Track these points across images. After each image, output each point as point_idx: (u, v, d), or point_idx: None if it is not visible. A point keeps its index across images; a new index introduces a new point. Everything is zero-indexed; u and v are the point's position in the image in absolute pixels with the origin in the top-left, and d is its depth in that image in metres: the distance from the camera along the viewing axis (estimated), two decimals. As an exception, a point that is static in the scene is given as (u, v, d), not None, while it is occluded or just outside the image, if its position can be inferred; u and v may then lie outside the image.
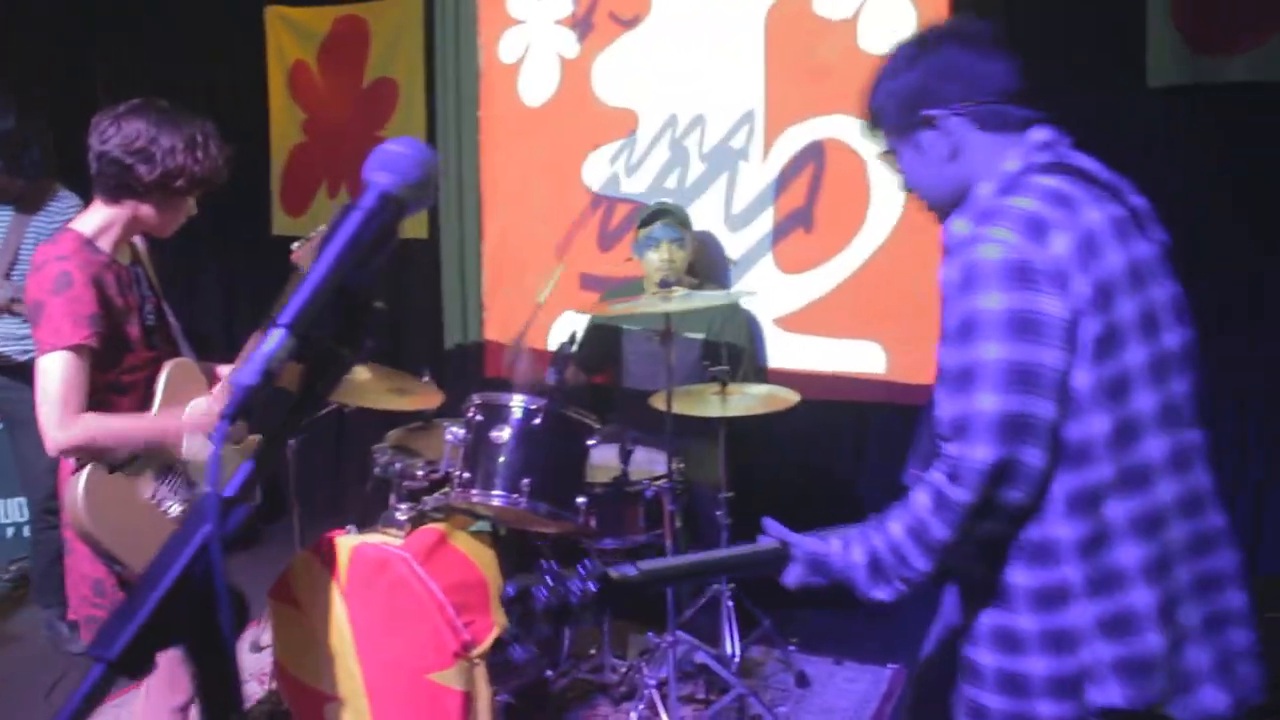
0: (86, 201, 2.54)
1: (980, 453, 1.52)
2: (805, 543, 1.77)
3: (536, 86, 4.65)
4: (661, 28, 4.37)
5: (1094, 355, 1.55)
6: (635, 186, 4.47)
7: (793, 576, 1.79)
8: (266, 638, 4.14)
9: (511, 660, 3.04)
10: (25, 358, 3.91)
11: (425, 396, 3.66)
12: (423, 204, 1.00)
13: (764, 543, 1.82)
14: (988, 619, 1.67)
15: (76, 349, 2.33)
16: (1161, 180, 2.12)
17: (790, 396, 3.52)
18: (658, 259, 3.84)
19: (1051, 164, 1.68)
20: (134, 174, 2.45)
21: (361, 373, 3.62)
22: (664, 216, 3.91)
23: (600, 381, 4.23)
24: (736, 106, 4.26)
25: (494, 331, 4.78)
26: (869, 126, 1.87)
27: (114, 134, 2.45)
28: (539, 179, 4.69)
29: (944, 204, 1.81)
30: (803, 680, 3.76)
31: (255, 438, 2.83)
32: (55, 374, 2.33)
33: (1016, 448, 1.52)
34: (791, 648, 3.82)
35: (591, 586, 1.52)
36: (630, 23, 4.43)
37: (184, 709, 2.74)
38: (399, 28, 4.94)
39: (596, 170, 4.56)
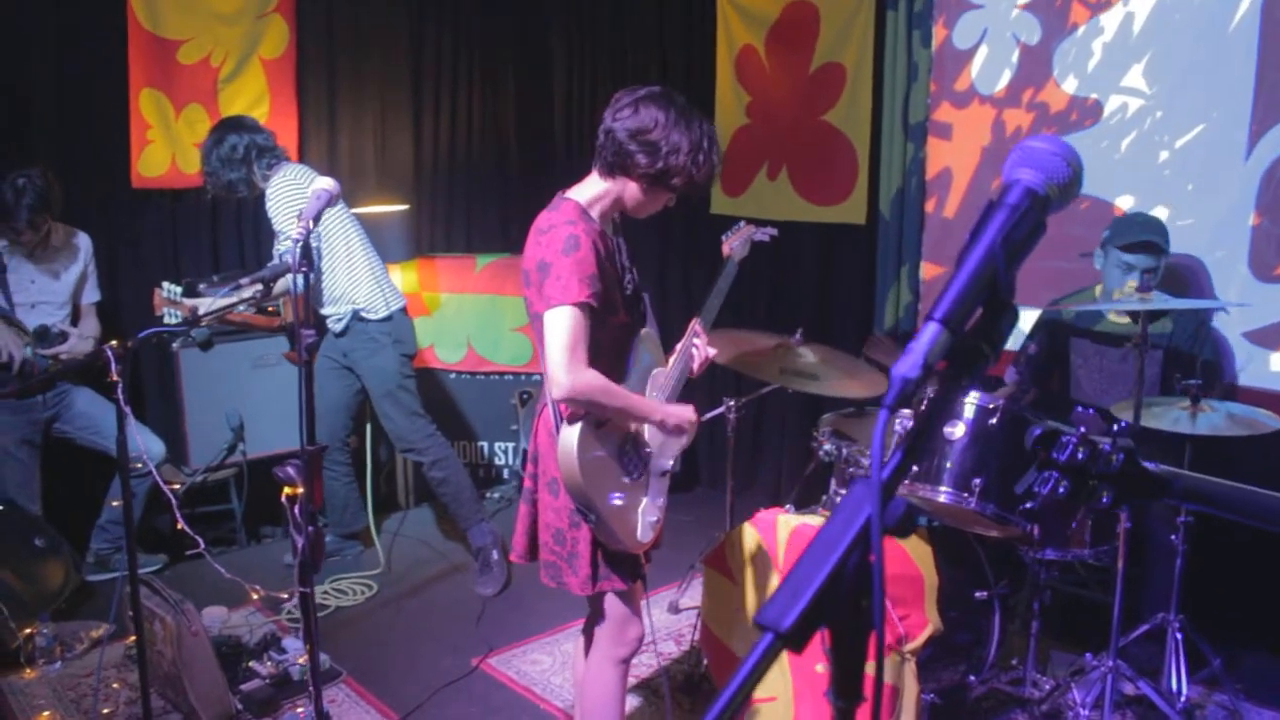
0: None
1: None
2: None
3: (992, 72, 4.50)
4: (1136, 11, 4.07)
5: None
6: (1095, 182, 4.21)
7: None
8: (685, 600, 4.34)
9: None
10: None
11: (868, 383, 3.65)
12: (1067, 203, 0.97)
13: None
14: None
15: (581, 305, 2.48)
16: None
17: (1271, 422, 3.19)
18: (1128, 286, 3.60)
19: None
20: (633, 159, 2.57)
21: (806, 354, 3.67)
22: (1149, 249, 3.63)
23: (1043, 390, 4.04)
24: (1219, 99, 3.90)
25: (928, 322, 4.69)
26: None
27: (629, 116, 2.57)
28: (988, 168, 4.54)
29: None
30: (1251, 732, 3.44)
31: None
32: (564, 326, 2.47)
33: None
34: (1240, 695, 3.49)
35: (1119, 457, 1.43)
36: (1101, 6, 4.17)
37: (626, 661, 2.90)
38: (851, 13, 4.94)
39: (1051, 162, 4.33)
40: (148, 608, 3.38)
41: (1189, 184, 3.98)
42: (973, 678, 3.45)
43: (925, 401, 0.93)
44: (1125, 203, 4.10)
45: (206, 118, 5.05)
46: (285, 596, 4.20)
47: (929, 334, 0.89)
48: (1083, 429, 1.68)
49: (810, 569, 0.83)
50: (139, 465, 3.70)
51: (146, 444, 4.08)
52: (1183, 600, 3.36)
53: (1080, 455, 1.68)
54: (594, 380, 2.51)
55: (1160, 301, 3.08)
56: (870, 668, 0.91)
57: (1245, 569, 3.74)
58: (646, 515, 2.73)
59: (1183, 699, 3.33)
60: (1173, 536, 3.30)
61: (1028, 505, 2.77)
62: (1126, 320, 3.79)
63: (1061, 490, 2.25)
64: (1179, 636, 3.36)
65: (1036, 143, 0.99)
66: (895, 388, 0.87)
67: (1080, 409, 1.50)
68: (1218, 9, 3.87)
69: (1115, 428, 1.53)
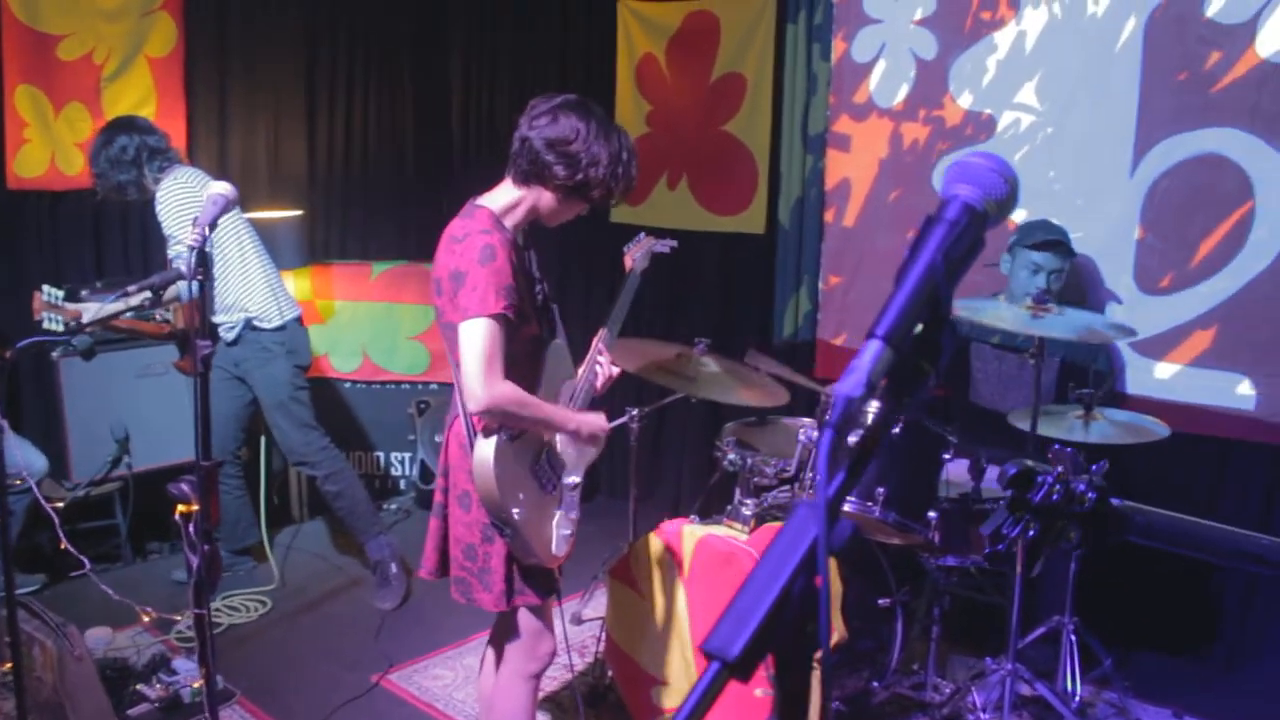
0: None
1: None
2: None
3: (890, 86, 4.57)
4: (1028, 30, 4.18)
5: None
6: (988, 194, 4.30)
7: None
8: (588, 611, 4.30)
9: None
10: None
11: (770, 392, 3.65)
12: (1003, 218, 0.97)
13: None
14: None
15: (498, 317, 2.43)
16: None
17: (1157, 430, 3.30)
18: (1034, 285, 3.69)
19: None
20: (551, 170, 2.53)
21: (709, 364, 3.67)
22: (1056, 248, 3.74)
23: (940, 395, 4.11)
24: (1105, 117, 4.02)
25: (827, 332, 4.75)
26: None
27: (546, 125, 2.52)
28: (886, 180, 4.61)
29: None
30: (1139, 729, 3.54)
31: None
32: (481, 338, 2.42)
33: None
34: (1128, 692, 3.60)
35: (1092, 496, 1.45)
36: (995, 24, 4.27)
37: (537, 676, 2.86)
38: (752, 24, 4.98)
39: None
40: (26, 631, 3.21)
41: (1078, 199, 4.10)
42: (876, 684, 3.48)
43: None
44: (1018, 216, 4.19)
45: (89, 117, 4.86)
46: (177, 618, 4.04)
47: (872, 351, 0.88)
48: (1060, 469, 1.67)
49: (755, 594, 0.81)
50: (18, 481, 3.52)
51: (27, 458, 3.89)
52: (1076, 603, 3.45)
53: (1055, 496, 1.68)
54: (510, 392, 2.46)
55: (1049, 325, 3.14)
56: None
57: (1133, 571, 3.86)
58: (560, 528, 2.70)
59: (1076, 698, 3.41)
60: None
61: (997, 548, 2.76)
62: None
63: (1031, 533, 2.22)
64: (1073, 638, 3.44)
65: (974, 158, 0.99)
66: (839, 406, 0.86)
67: (1058, 446, 1.48)
68: (1104, 31, 4.00)
69: (1094, 467, 1.54)
